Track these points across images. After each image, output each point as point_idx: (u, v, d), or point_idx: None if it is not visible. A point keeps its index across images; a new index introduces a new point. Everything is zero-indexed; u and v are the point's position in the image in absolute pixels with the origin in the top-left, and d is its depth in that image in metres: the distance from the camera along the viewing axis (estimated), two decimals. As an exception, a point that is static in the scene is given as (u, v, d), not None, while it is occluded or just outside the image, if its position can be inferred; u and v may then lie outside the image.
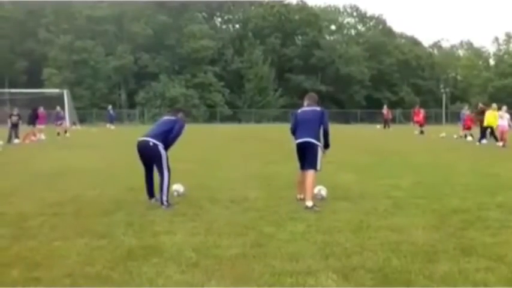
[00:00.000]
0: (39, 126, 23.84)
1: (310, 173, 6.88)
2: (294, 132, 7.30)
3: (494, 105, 20.68)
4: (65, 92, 41.06)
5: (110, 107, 41.43)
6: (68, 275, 4.09)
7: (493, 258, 4.54)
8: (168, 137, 7.06)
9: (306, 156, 7.00)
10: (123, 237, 5.30)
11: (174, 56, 56.53)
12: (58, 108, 29.65)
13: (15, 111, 22.09)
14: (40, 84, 49.38)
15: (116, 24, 55.81)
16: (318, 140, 6.99)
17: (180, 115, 7.52)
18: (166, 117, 7.54)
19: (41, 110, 25.28)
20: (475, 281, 3.97)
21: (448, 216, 6.32)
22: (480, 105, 24.44)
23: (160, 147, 6.95)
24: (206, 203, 7.19)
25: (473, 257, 4.60)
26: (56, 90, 42.42)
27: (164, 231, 5.52)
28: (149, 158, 7.08)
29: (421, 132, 28.92)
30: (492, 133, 20.39)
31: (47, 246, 4.95)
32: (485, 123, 20.20)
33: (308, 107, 7.33)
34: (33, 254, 4.69)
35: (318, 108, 7.23)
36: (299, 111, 7.41)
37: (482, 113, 22.36)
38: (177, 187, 7.78)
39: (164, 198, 6.88)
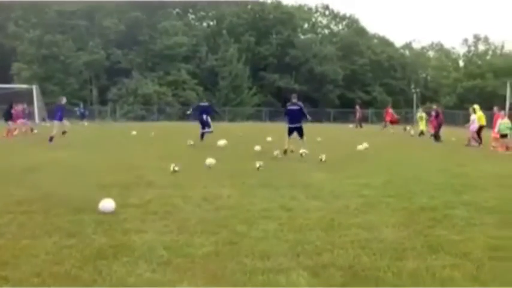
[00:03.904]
0: (18, 122, 23.27)
1: (302, 140, 14.24)
2: (286, 117, 14.46)
3: (476, 106, 20.61)
4: (34, 88, 40.13)
5: (81, 105, 40.79)
6: (36, 274, 4.03)
7: (459, 256, 4.67)
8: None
9: (297, 133, 14.13)
10: (92, 235, 5.24)
11: (146, 52, 55.69)
12: (24, 105, 28.67)
13: None
14: (9, 79, 48.10)
15: (87, 18, 54.67)
16: (301, 123, 14.15)
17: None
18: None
19: (17, 107, 24.52)
20: (442, 278, 4.09)
21: (416, 214, 6.48)
22: (435, 107, 24.70)
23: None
24: (178, 201, 7.17)
25: (440, 254, 4.73)
26: (25, 86, 41.38)
27: (135, 230, 5.48)
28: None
29: (384, 127, 30.32)
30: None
31: (15, 244, 4.86)
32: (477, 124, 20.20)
33: (292, 105, 14.26)
34: (1, 252, 4.59)
35: (298, 107, 14.23)
36: (288, 108, 14.41)
37: (437, 116, 22.71)
38: (210, 161, 11.26)
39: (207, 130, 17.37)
